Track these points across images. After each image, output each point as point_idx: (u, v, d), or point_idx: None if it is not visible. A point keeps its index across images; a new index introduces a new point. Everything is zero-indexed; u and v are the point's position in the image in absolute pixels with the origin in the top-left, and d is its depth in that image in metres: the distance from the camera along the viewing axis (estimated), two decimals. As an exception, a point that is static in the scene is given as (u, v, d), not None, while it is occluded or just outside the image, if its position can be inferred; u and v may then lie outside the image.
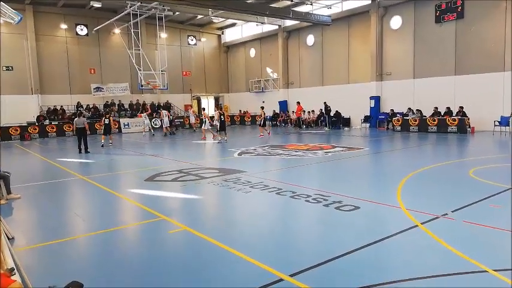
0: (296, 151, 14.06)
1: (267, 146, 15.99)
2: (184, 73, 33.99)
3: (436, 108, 20.96)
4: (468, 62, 20.68)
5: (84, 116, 16.74)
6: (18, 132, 23.88)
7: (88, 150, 15.18)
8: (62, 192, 8.92)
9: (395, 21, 24.01)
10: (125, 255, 4.88)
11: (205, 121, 21.45)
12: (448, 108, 20.47)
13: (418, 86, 23.09)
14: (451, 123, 19.71)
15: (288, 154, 13.41)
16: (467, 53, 20.71)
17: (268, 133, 21.28)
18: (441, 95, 21.54)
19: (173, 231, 5.60)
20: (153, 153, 15.27)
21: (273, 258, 4.45)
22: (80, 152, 15.07)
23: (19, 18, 19.99)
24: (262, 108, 21.74)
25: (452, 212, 5.92)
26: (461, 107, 19.81)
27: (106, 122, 17.55)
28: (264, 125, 22.13)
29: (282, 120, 30.25)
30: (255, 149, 14.92)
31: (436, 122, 20.36)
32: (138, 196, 8.05)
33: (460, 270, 3.93)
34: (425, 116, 21.23)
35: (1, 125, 23.39)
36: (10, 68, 26.10)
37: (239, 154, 13.74)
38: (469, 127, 19.54)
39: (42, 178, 10.48)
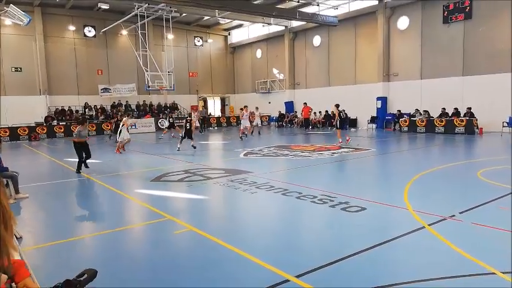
0: (302, 152, 14.03)
1: (273, 146, 15.97)
2: (190, 74, 34.11)
3: (444, 109, 20.80)
4: (476, 62, 20.50)
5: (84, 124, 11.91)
6: (27, 132, 24.09)
7: (88, 165, 11.21)
8: (69, 192, 8.99)
9: (403, 22, 23.87)
10: (131, 255, 4.90)
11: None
12: (456, 109, 20.30)
13: (425, 86, 22.92)
14: (458, 124, 19.55)
15: (294, 155, 13.38)
16: (476, 53, 20.53)
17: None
18: (449, 95, 21.37)
19: (179, 232, 5.61)
20: (159, 153, 15.31)
21: (279, 259, 4.45)
22: (78, 170, 10.81)
23: (28, 19, 20.23)
24: (338, 106, 16.31)
25: (460, 213, 5.86)
26: (469, 108, 19.64)
27: (187, 127, 15.33)
28: (342, 126, 16.62)
29: (288, 120, 30.21)
30: (260, 150, 14.91)
31: (443, 123, 20.21)
32: (144, 196, 8.09)
33: (468, 272, 3.89)
34: (433, 117, 21.09)
35: (2, 125, 23.71)
36: (19, 69, 26.39)
37: (245, 155, 13.74)
38: (477, 128, 19.36)
39: (50, 178, 10.57)
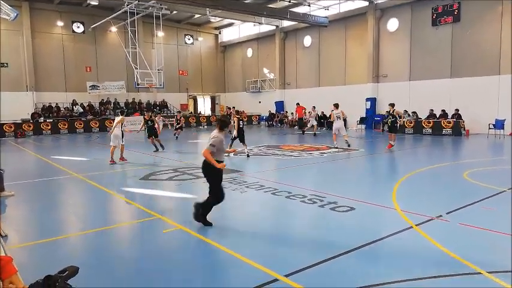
0: (292, 151, 14.05)
1: (263, 146, 15.97)
2: (180, 72, 33.93)
3: (432, 110, 21.05)
4: (464, 65, 20.79)
5: None
6: (13, 129, 23.68)
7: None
8: (56, 190, 8.86)
9: (392, 24, 24.08)
10: (119, 254, 4.85)
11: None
12: (444, 110, 20.57)
13: (414, 88, 23.17)
14: (446, 125, 19.80)
15: (283, 154, 13.40)
16: (463, 56, 20.81)
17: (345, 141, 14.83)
18: (437, 97, 21.63)
19: (168, 230, 5.57)
20: (149, 152, 15.19)
21: (268, 258, 4.44)
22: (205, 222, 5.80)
23: (15, 14, 19.81)
24: (393, 105, 14.26)
25: (447, 213, 5.94)
26: (457, 110, 19.91)
27: (149, 124, 15.04)
28: (394, 130, 14.34)
29: (279, 120, 30.25)
30: (251, 149, 14.88)
31: (431, 124, 20.45)
32: (133, 195, 8.01)
33: (455, 272, 3.94)
34: (421, 118, 21.32)
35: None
36: (5, 64, 25.91)
37: (235, 154, 13.68)
38: (464, 130, 19.64)
39: (36, 176, 10.40)
